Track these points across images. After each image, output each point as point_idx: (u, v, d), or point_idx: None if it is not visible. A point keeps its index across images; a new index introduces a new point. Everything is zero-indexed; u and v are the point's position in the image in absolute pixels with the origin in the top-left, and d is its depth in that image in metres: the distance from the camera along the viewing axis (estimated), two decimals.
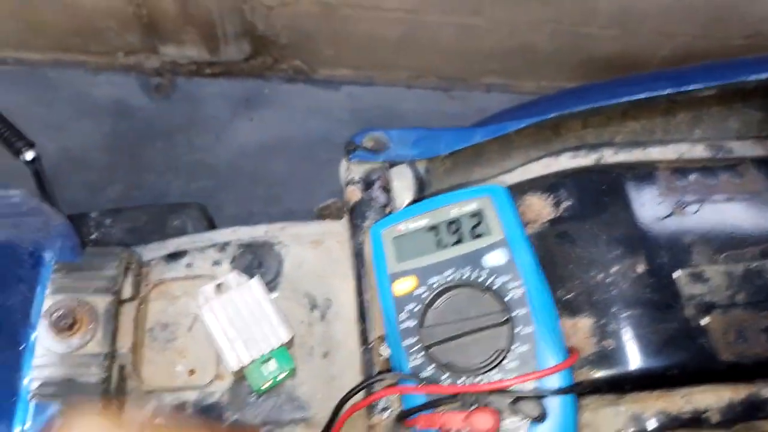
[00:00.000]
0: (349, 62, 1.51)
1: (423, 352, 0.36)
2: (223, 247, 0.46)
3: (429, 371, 0.35)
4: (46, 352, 0.38)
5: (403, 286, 0.38)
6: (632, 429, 0.36)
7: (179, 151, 1.46)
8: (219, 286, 0.42)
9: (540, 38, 1.39)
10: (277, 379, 0.40)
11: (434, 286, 0.37)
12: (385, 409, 0.38)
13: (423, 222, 0.39)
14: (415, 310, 0.37)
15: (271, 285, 0.44)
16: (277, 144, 1.47)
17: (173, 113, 1.49)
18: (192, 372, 0.42)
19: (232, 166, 1.44)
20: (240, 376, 0.41)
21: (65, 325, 0.39)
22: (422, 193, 0.50)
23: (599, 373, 0.36)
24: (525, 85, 1.48)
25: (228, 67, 1.50)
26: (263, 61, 1.52)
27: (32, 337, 0.39)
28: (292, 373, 0.41)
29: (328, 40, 1.41)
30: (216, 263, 0.45)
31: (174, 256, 0.46)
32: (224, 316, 0.40)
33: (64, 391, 0.37)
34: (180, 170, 1.40)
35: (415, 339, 0.36)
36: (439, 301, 0.37)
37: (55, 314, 0.39)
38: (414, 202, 0.46)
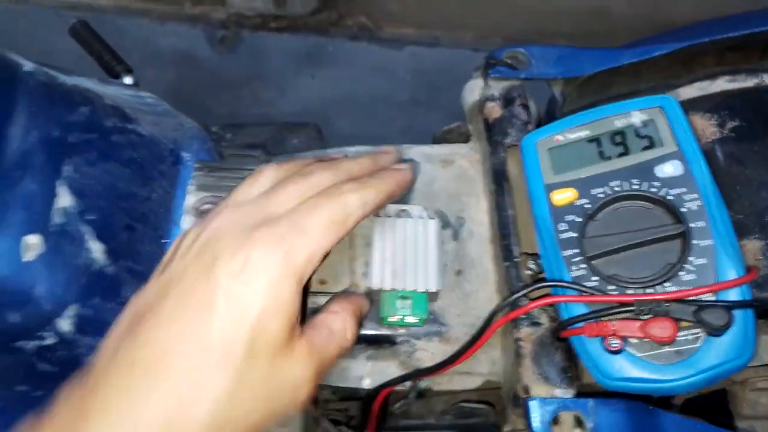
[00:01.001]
0: (415, 19, 1.48)
1: (585, 264, 0.34)
2: None
3: (592, 283, 0.34)
4: None
5: (562, 197, 0.36)
6: None
7: (243, 104, 1.46)
8: (401, 211, 0.41)
9: (617, 0, 1.34)
10: (404, 321, 0.39)
11: (599, 196, 0.35)
12: (534, 323, 0.36)
13: (583, 133, 0.38)
14: (576, 220, 0.35)
15: (402, 201, 0.43)
16: (338, 102, 1.46)
17: (237, 66, 1.49)
18: (323, 282, 0.42)
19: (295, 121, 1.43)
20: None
21: None
22: (550, 117, 0.48)
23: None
24: None
25: (293, 21, 1.48)
26: (328, 15, 1.50)
27: (174, 233, 0.39)
28: (422, 322, 0.40)
29: None
30: None
31: None
32: (392, 235, 0.39)
33: None
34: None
35: (576, 250, 0.35)
36: (602, 212, 0.35)
37: (202, 208, 0.38)
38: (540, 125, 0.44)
